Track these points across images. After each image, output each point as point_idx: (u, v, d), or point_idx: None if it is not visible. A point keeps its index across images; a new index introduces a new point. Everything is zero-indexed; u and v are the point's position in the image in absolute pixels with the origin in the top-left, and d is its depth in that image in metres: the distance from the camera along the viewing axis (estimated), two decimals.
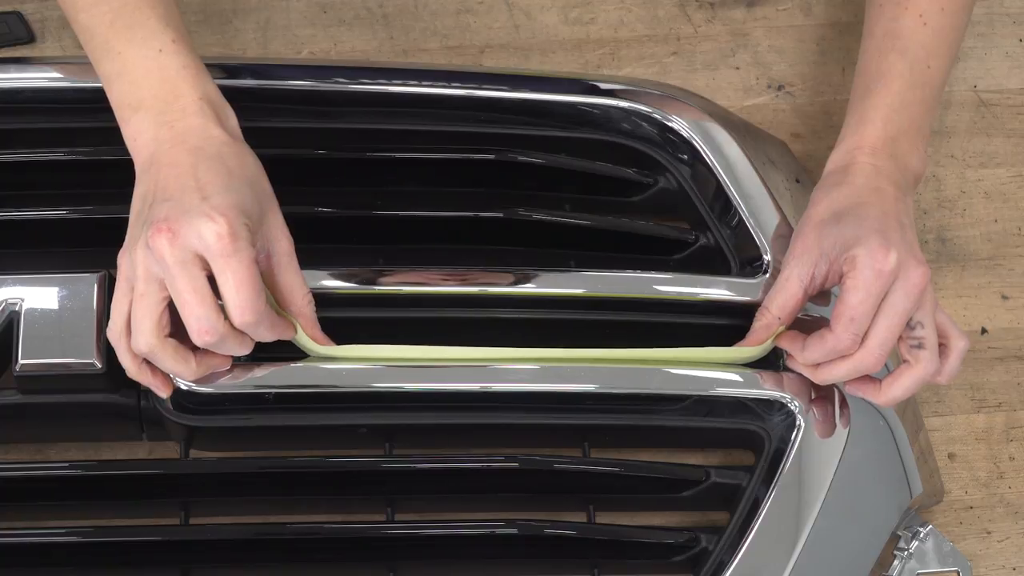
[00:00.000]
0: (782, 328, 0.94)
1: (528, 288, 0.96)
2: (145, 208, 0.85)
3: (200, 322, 0.83)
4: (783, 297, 0.93)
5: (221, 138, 0.87)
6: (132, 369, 0.88)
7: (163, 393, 0.89)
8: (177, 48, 0.89)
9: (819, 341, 0.92)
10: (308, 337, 0.90)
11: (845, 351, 0.91)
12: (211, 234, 0.81)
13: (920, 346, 0.92)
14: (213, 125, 0.87)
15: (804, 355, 0.93)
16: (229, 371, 0.91)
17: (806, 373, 0.95)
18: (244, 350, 0.87)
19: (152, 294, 0.84)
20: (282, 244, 0.88)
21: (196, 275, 0.82)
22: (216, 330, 0.83)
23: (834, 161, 0.97)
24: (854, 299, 0.90)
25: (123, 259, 0.86)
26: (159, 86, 0.88)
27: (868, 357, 0.91)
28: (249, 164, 0.87)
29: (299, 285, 0.89)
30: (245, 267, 0.82)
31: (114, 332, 0.86)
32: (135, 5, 0.89)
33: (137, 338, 0.85)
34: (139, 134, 0.88)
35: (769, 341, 0.95)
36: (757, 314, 0.95)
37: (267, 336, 0.87)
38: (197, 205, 0.82)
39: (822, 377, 0.94)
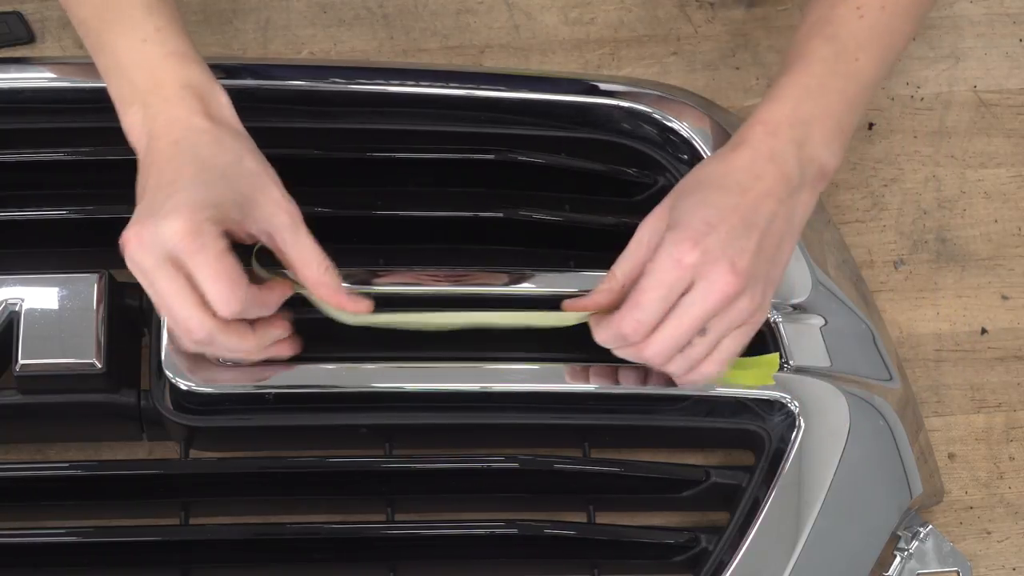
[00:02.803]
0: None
1: (528, 288, 0.96)
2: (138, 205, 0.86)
3: (187, 322, 0.83)
4: (629, 264, 0.88)
5: (201, 126, 0.85)
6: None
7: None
8: (161, 36, 0.88)
9: (607, 321, 0.88)
10: (334, 308, 0.88)
11: (628, 337, 0.87)
12: (171, 234, 0.81)
13: (685, 347, 0.87)
14: (194, 114, 0.86)
15: (595, 332, 0.89)
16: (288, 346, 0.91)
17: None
18: (249, 341, 0.86)
19: (168, 275, 0.83)
20: (281, 219, 0.86)
21: (172, 276, 0.82)
22: (203, 327, 0.83)
23: (735, 135, 0.91)
24: (644, 284, 0.86)
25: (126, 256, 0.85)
26: (144, 76, 0.87)
27: (647, 351, 0.87)
28: (227, 148, 0.86)
29: (311, 257, 0.86)
30: (213, 260, 0.81)
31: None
32: None
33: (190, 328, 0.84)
34: (132, 128, 0.88)
35: (586, 313, 0.90)
36: (607, 276, 0.89)
37: (266, 313, 0.86)
38: (160, 206, 0.82)
39: (619, 355, 0.90)
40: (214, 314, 0.83)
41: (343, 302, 0.88)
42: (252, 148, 0.87)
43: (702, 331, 0.87)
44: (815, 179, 0.89)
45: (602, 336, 0.89)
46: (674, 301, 0.86)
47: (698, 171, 0.90)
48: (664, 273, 0.85)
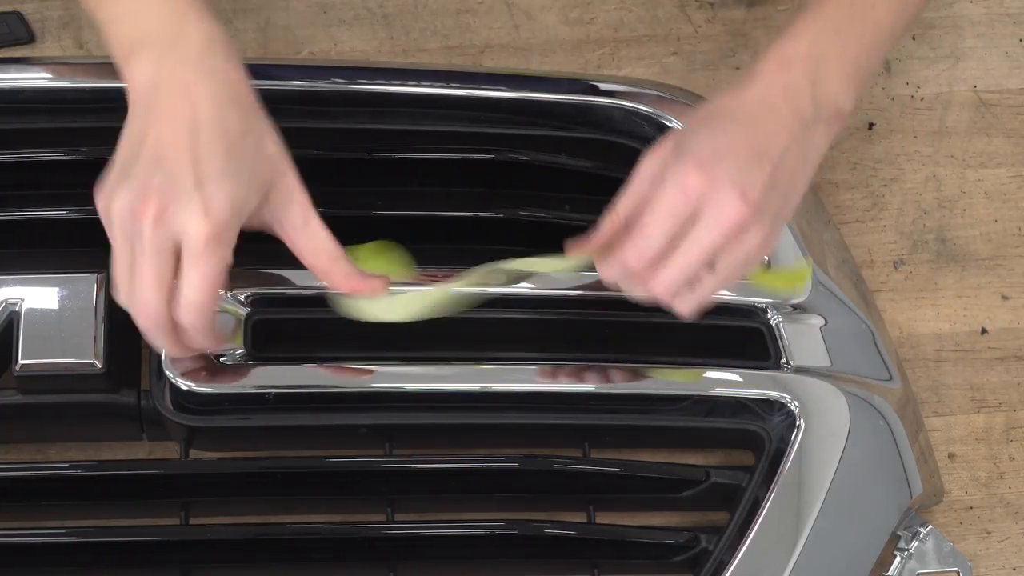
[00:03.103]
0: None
1: (528, 288, 0.96)
2: (133, 155, 0.80)
3: (148, 307, 0.80)
4: (632, 198, 0.84)
5: (227, 96, 0.81)
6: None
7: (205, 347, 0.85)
8: None
9: (612, 256, 0.84)
10: (348, 295, 0.85)
11: (632, 269, 0.83)
12: (195, 230, 0.78)
13: (694, 282, 0.83)
14: (221, 78, 0.81)
15: (600, 270, 0.85)
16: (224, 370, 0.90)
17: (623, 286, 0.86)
18: (173, 349, 0.83)
19: (161, 260, 0.80)
20: (294, 207, 0.83)
21: (164, 263, 0.79)
22: (160, 322, 0.80)
23: (747, 70, 0.87)
24: (649, 211, 0.82)
25: (102, 202, 0.80)
26: (163, 21, 0.81)
27: (655, 285, 0.83)
28: (252, 126, 0.82)
29: (322, 245, 0.83)
30: (213, 272, 0.79)
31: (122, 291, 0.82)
32: None
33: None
34: (137, 71, 0.81)
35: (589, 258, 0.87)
36: (608, 213, 0.86)
37: (199, 341, 0.82)
38: (190, 191, 0.78)
39: (626, 290, 0.86)
40: (172, 310, 0.80)
41: (358, 285, 0.85)
42: (270, 126, 0.83)
43: (711, 265, 0.83)
44: (829, 118, 0.86)
45: (607, 272, 0.85)
46: (679, 231, 0.82)
47: (707, 105, 0.87)
48: (669, 200, 0.81)
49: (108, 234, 0.80)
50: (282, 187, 0.82)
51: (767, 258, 0.99)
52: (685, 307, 0.86)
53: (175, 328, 0.81)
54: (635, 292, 0.86)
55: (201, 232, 0.78)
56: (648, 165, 0.85)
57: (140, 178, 0.79)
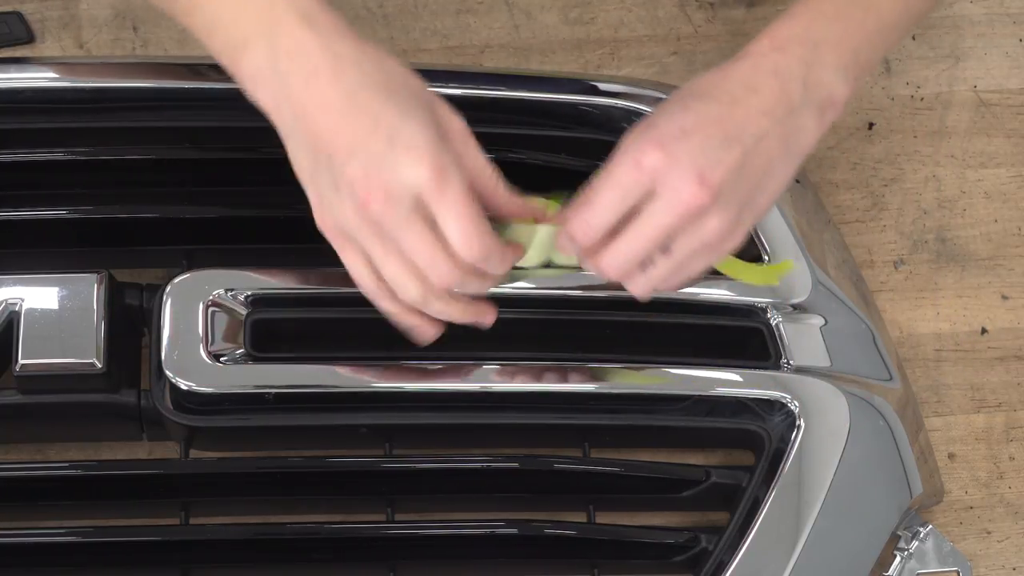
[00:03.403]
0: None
1: (527, 288, 0.96)
2: (321, 167, 0.78)
3: (439, 269, 0.78)
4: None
5: (351, 51, 0.77)
6: (398, 312, 0.83)
7: (432, 334, 0.85)
8: None
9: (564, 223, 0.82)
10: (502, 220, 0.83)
11: (577, 240, 0.81)
12: (419, 180, 0.75)
13: (646, 263, 0.81)
14: (333, 40, 0.77)
15: (558, 242, 0.84)
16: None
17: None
18: (485, 286, 0.82)
19: (395, 252, 0.78)
20: (454, 124, 0.79)
21: (421, 229, 0.77)
22: (454, 274, 0.78)
23: (741, 51, 0.83)
24: (598, 183, 0.80)
25: (327, 224, 0.80)
26: (256, 15, 0.78)
27: (603, 262, 0.81)
28: (391, 68, 0.78)
29: (482, 164, 0.80)
30: (460, 200, 0.76)
31: (370, 289, 0.82)
32: None
33: (406, 293, 0.80)
34: (259, 74, 0.78)
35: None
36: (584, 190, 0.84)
37: (499, 267, 0.80)
38: (387, 152, 0.75)
39: (581, 264, 0.84)
40: (456, 265, 0.78)
41: (515, 208, 0.82)
42: (396, 58, 0.79)
43: (666, 248, 0.80)
44: (821, 105, 0.82)
45: (561, 243, 0.83)
46: (629, 207, 0.79)
47: (693, 81, 0.83)
48: (620, 173, 0.79)
49: (355, 255, 0.80)
50: (443, 113, 0.80)
51: (767, 257, 0.99)
52: (637, 289, 0.84)
53: (479, 275, 0.79)
54: (586, 265, 0.83)
55: (425, 175, 0.75)
56: (626, 140, 0.82)
57: (342, 177, 0.77)
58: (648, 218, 0.79)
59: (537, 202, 0.86)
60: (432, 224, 0.77)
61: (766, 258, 0.99)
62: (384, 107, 0.76)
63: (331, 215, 0.79)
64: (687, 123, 0.79)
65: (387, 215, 0.77)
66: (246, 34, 0.78)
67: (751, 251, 0.99)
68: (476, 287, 0.81)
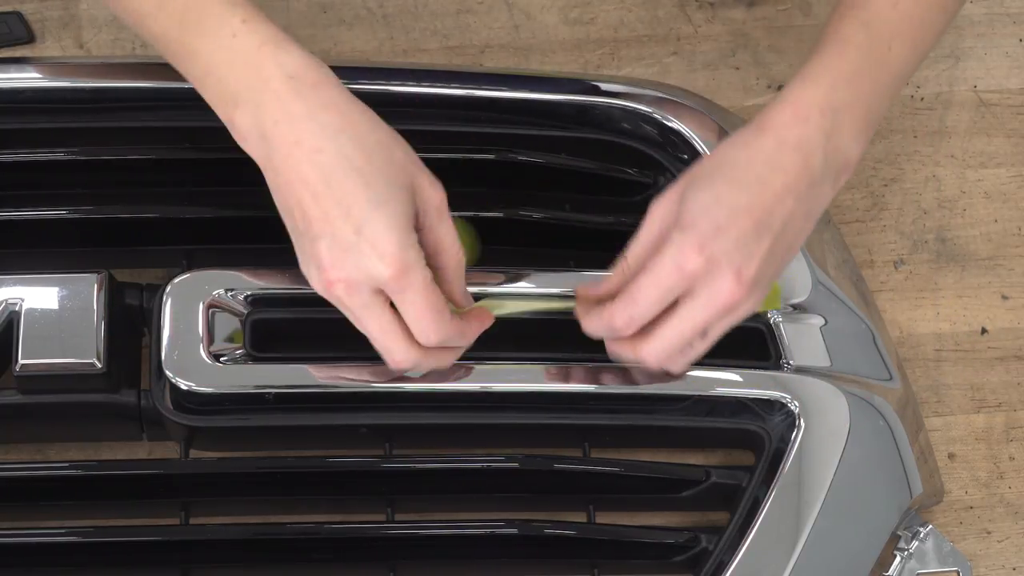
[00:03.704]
0: None
1: (527, 288, 0.96)
2: (298, 231, 0.82)
3: (392, 354, 0.84)
4: (641, 248, 0.87)
5: (333, 118, 0.80)
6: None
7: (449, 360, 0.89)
8: (250, 27, 0.82)
9: (598, 312, 0.87)
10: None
11: (618, 332, 0.86)
12: (381, 274, 0.79)
13: (685, 349, 0.87)
14: (316, 109, 0.80)
15: (583, 321, 0.88)
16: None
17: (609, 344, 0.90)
18: (449, 358, 0.87)
19: (376, 315, 0.83)
20: (434, 201, 0.83)
21: (380, 314, 0.82)
22: (408, 358, 0.84)
23: (761, 115, 0.86)
24: (643, 280, 0.84)
25: (312, 284, 0.84)
26: (244, 74, 0.81)
27: (644, 352, 0.86)
28: (372, 144, 0.81)
29: (452, 242, 0.84)
30: (422, 295, 0.81)
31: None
32: None
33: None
34: (248, 134, 0.82)
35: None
36: (619, 262, 0.88)
37: (464, 344, 0.87)
38: (354, 243, 0.79)
39: (610, 350, 0.89)
40: (418, 343, 0.83)
41: (465, 305, 0.88)
42: (387, 129, 0.83)
43: (704, 333, 0.86)
44: (838, 171, 0.86)
45: (591, 326, 0.88)
46: (670, 301, 0.84)
47: (718, 153, 0.86)
48: (664, 275, 0.83)
49: (355, 315, 0.84)
50: (422, 186, 0.83)
51: None
52: (676, 368, 0.90)
53: (439, 351, 0.85)
54: (621, 352, 0.88)
55: (386, 273, 0.80)
56: (657, 215, 0.86)
57: (312, 252, 0.81)
58: (689, 313, 0.84)
59: (488, 304, 0.91)
60: (390, 311, 0.82)
61: None
62: (356, 195, 0.79)
63: (308, 276, 0.83)
64: (720, 219, 0.82)
65: (347, 300, 0.82)
66: (236, 91, 0.82)
67: None
68: (436, 363, 0.86)
